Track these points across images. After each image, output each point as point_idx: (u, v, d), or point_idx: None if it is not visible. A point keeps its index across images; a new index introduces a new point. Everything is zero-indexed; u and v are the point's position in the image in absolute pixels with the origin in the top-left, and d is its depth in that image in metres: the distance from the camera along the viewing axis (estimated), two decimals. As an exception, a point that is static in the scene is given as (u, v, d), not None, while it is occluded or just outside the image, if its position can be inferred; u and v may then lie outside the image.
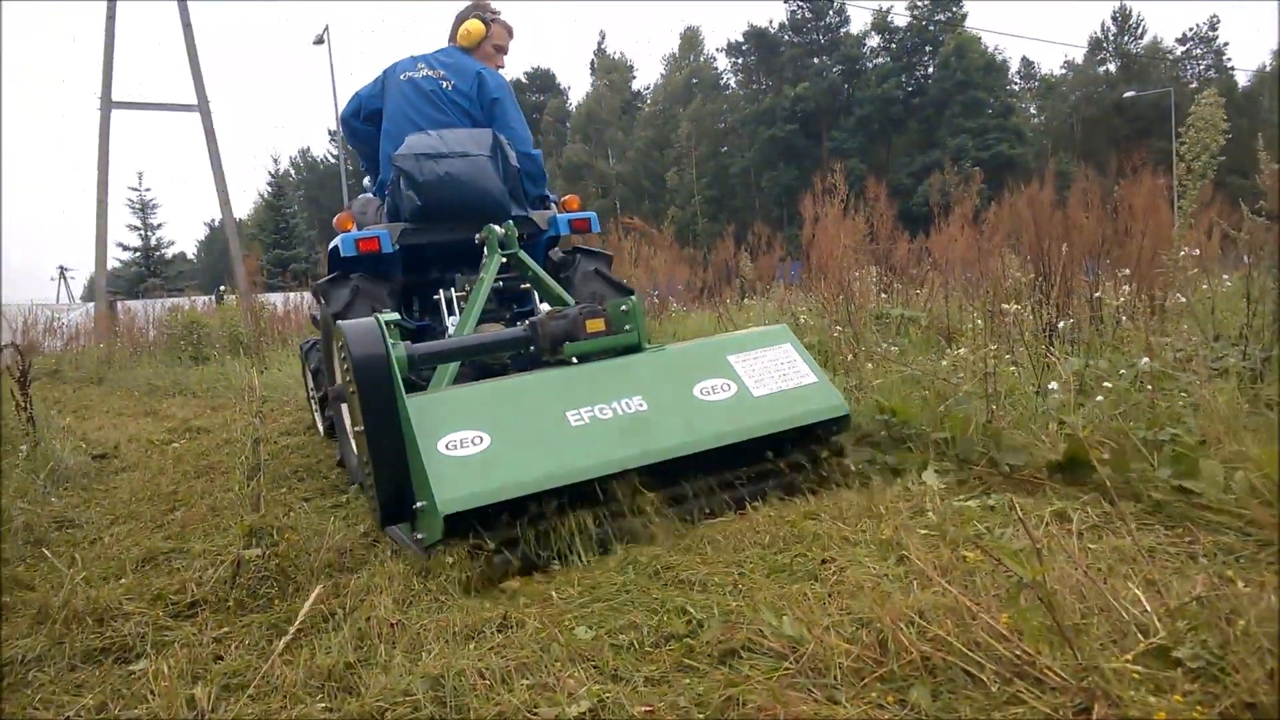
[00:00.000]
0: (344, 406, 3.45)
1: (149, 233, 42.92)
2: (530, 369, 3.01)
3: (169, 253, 45.88)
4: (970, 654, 1.57)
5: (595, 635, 1.91)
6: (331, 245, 4.00)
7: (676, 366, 2.97)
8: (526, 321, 3.06)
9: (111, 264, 27.60)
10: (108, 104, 21.27)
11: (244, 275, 18.40)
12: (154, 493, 3.87)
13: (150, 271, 40.88)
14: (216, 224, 77.17)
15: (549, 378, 2.85)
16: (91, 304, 22.07)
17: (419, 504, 2.48)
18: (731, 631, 1.82)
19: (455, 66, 4.16)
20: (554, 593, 2.22)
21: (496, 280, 3.69)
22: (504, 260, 3.61)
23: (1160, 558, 2.02)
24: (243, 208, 72.21)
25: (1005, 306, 3.40)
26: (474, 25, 4.30)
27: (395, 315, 2.71)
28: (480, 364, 3.69)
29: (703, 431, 2.76)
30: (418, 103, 4.02)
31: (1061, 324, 3.52)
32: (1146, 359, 2.67)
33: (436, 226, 3.83)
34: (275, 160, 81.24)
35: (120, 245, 42.18)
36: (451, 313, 3.82)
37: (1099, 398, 2.79)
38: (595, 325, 3.00)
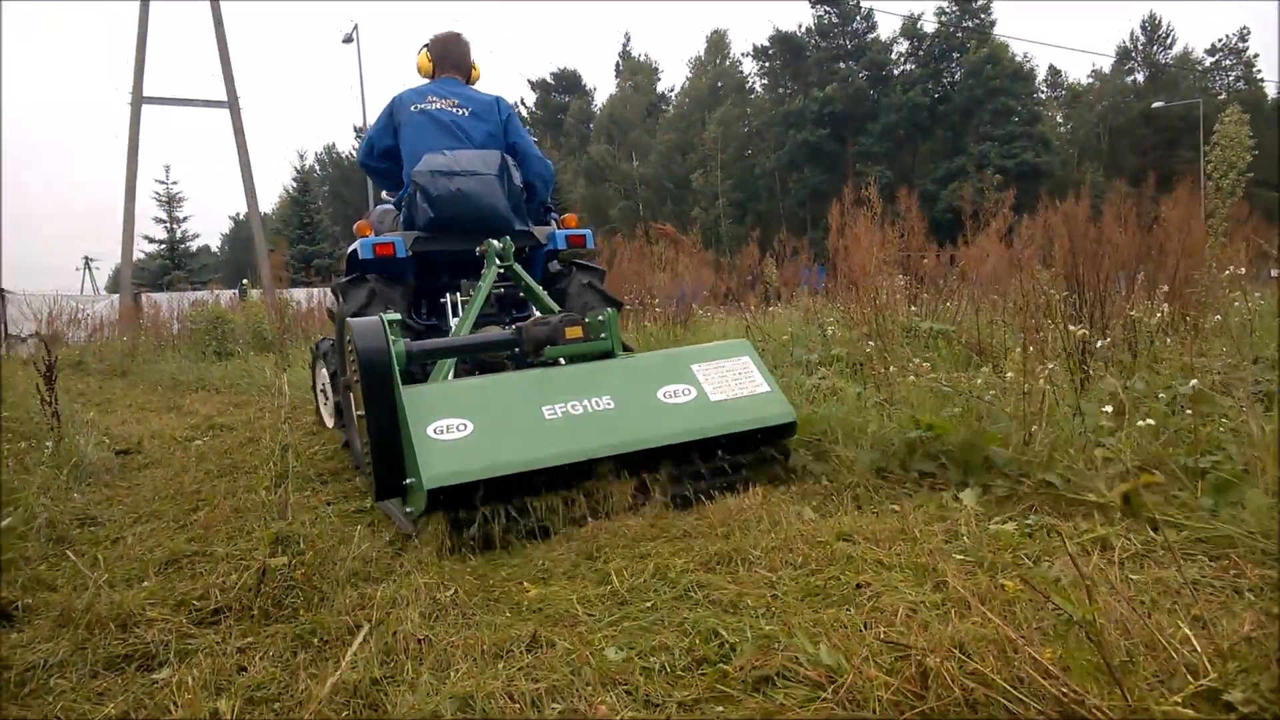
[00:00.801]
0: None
1: (174, 226, 43.08)
2: (526, 369, 3.37)
3: (193, 245, 46.06)
4: (1014, 691, 1.52)
5: (626, 657, 1.87)
6: (351, 249, 4.36)
7: (643, 372, 3.34)
8: (514, 326, 3.46)
9: (137, 256, 27.80)
10: (138, 99, 21.47)
11: (268, 272, 18.52)
12: (177, 491, 3.86)
13: (175, 264, 41.08)
14: (241, 217, 77.78)
15: (529, 376, 3.22)
16: (116, 295, 22.26)
17: (409, 480, 2.81)
18: (766, 657, 1.78)
19: (467, 96, 4.53)
20: (581, 609, 2.19)
21: (498, 288, 4.15)
22: (501, 271, 3.94)
23: (1205, 591, 1.97)
24: (268, 202, 72.80)
25: (1072, 329, 3.32)
26: (477, 69, 4.83)
27: (398, 315, 3.06)
28: (481, 362, 4.00)
29: (662, 429, 3.10)
30: (434, 132, 4.36)
31: (1100, 343, 3.45)
32: (1194, 381, 2.61)
33: (446, 236, 4.18)
34: (301, 156, 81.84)
35: (146, 237, 42.39)
36: (456, 315, 4.21)
37: (1139, 422, 2.73)
38: (574, 332, 3.39)
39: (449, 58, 4.68)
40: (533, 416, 3.00)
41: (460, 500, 2.80)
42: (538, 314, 3.91)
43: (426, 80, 4.69)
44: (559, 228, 4.58)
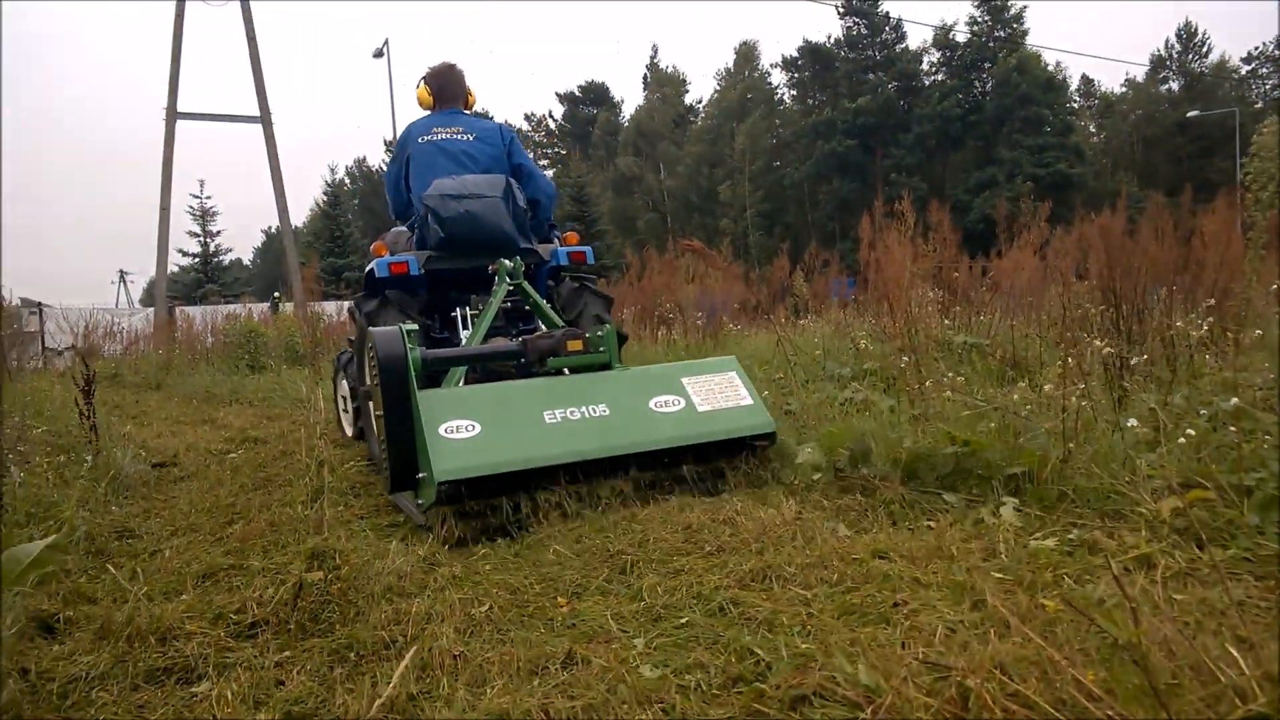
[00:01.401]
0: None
1: (208, 240, 43.59)
2: (531, 377, 3.70)
3: (226, 259, 46.58)
4: (1057, 713, 1.50)
5: (661, 675, 1.86)
6: (368, 268, 4.72)
7: (637, 383, 3.65)
8: (520, 339, 3.83)
9: (170, 269, 28.20)
10: (173, 115, 21.79)
11: (300, 286, 18.72)
12: (213, 504, 3.90)
13: (208, 278, 41.56)
14: (273, 230, 78.54)
15: (532, 384, 3.56)
16: (151, 309, 22.56)
17: (421, 474, 3.12)
18: (802, 676, 1.76)
19: (470, 124, 4.86)
20: (615, 625, 2.18)
21: (506, 302, 4.40)
22: (511, 287, 4.26)
23: (1251, 612, 1.93)
24: (299, 215, 73.49)
25: (1098, 344, 3.29)
26: (473, 94, 5.14)
27: (414, 326, 3.41)
28: (489, 370, 4.27)
29: (652, 435, 3.41)
30: (443, 161, 4.68)
31: (1135, 360, 3.40)
32: (1235, 399, 2.57)
33: (456, 255, 4.49)
34: (332, 169, 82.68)
35: (180, 251, 42.91)
36: (466, 327, 4.53)
37: (1180, 439, 2.69)
38: (575, 345, 3.71)
39: (447, 89, 4.99)
40: (535, 420, 3.32)
41: (466, 493, 3.09)
42: (543, 328, 4.27)
43: (427, 112, 5.00)
44: (561, 245, 4.89)
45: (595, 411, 3.42)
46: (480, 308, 4.33)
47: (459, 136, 4.76)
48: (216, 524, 3.54)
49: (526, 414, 3.34)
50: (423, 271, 4.48)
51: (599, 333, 3.82)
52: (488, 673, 1.93)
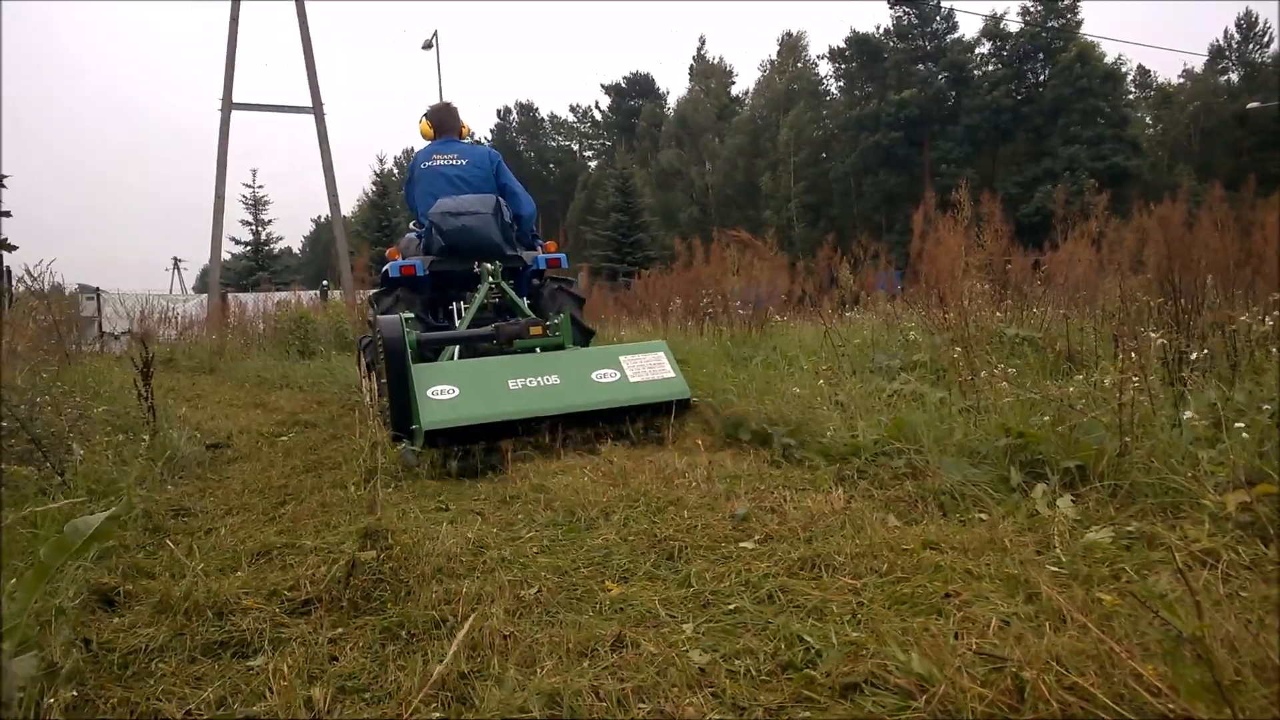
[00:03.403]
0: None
1: (260, 228, 44.15)
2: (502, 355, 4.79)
3: (276, 248, 47.15)
4: (1115, 706, 1.47)
5: (711, 660, 1.86)
6: (383, 269, 5.74)
7: (583, 360, 4.60)
8: (495, 325, 4.83)
9: (223, 257, 28.61)
10: (228, 105, 22.14)
11: (349, 274, 18.95)
12: (265, 485, 3.97)
13: (259, 265, 42.14)
14: (322, 219, 79.50)
15: (500, 359, 4.61)
16: (205, 295, 22.96)
17: (414, 426, 4.06)
18: (853, 664, 1.75)
19: (463, 150, 5.81)
20: (663, 610, 2.18)
21: (495, 298, 5.43)
22: (492, 285, 5.27)
23: (1316, 610, 1.88)
24: (348, 204, 74.23)
25: (1151, 335, 3.23)
26: (466, 126, 6.10)
27: (411, 315, 4.43)
28: (477, 350, 5.15)
29: (592, 398, 4.38)
30: (440, 183, 5.66)
31: (1195, 354, 3.32)
32: (1300, 394, 2.50)
33: (454, 260, 5.45)
34: (380, 160, 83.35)
35: (232, 239, 43.48)
36: (460, 317, 5.53)
37: (1244, 434, 2.62)
38: (536, 331, 4.80)
39: (444, 123, 5.96)
40: (501, 386, 4.27)
41: (447, 440, 4.10)
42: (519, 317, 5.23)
43: (429, 141, 5.94)
44: (542, 252, 5.87)
45: (549, 380, 4.35)
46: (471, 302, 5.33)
47: (454, 162, 5.72)
48: (269, 504, 3.61)
49: (495, 381, 4.28)
50: (427, 273, 5.42)
51: (555, 321, 4.90)
52: (538, 653, 1.94)
